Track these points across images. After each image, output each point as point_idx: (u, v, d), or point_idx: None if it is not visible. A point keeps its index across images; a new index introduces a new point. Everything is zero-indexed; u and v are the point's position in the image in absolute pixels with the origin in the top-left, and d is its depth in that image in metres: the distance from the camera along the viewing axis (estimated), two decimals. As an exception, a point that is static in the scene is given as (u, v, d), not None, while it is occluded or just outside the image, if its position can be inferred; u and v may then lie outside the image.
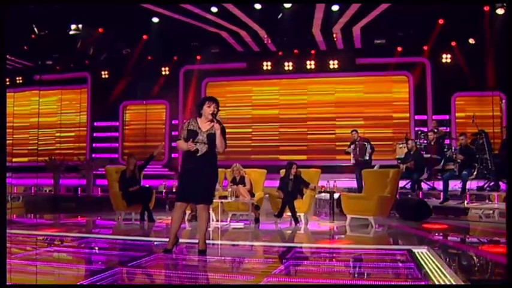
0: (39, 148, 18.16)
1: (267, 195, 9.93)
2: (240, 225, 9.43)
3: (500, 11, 12.50)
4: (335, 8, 13.24)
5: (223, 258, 5.76)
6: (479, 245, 7.13)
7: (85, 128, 18.15)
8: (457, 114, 15.82)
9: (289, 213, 9.28)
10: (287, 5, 13.27)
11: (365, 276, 4.91)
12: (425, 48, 15.68)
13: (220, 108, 5.74)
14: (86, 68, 17.81)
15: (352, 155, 12.11)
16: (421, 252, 5.87)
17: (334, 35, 15.21)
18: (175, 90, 17.67)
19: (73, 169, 15.34)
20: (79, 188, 14.92)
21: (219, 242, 7.18)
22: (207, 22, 14.20)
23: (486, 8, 12.88)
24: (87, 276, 4.71)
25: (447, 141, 13.68)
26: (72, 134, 18.34)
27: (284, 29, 14.71)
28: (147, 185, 10.18)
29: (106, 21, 14.60)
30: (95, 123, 18.21)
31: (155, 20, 14.43)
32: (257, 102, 17.47)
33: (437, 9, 13.36)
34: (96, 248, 6.59)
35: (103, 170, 16.25)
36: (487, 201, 11.28)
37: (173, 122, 17.96)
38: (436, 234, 8.12)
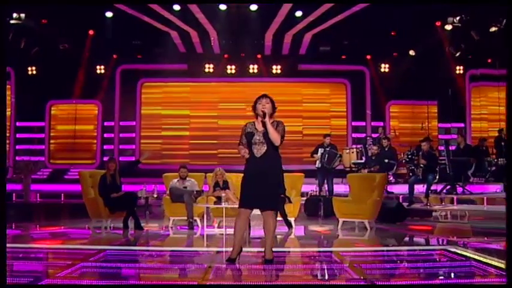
0: None
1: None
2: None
3: (448, 27, 13.39)
4: (298, 13, 13.35)
5: (297, 266, 5.52)
6: (490, 239, 7.51)
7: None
8: (391, 122, 16.80)
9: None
10: (253, 7, 13.13)
11: (452, 276, 4.95)
12: (367, 57, 16.37)
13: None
14: (10, 62, 16.18)
15: (319, 159, 12.15)
16: (458, 250, 6.04)
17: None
18: (110, 90, 16.75)
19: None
20: (14, 194, 13.46)
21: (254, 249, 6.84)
22: (161, 20, 13.63)
23: (437, 23, 13.75)
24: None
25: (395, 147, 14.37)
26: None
27: (236, 32, 14.54)
28: (131, 191, 9.45)
29: (50, 13, 13.43)
30: (18, 123, 16.68)
31: (109, 14, 13.53)
32: (195, 105, 17.12)
33: (388, 20, 13.99)
34: (146, 261, 5.89)
35: (41, 174, 15.10)
36: (443, 203, 12.04)
37: (105, 123, 17.02)
38: (438, 234, 8.46)
